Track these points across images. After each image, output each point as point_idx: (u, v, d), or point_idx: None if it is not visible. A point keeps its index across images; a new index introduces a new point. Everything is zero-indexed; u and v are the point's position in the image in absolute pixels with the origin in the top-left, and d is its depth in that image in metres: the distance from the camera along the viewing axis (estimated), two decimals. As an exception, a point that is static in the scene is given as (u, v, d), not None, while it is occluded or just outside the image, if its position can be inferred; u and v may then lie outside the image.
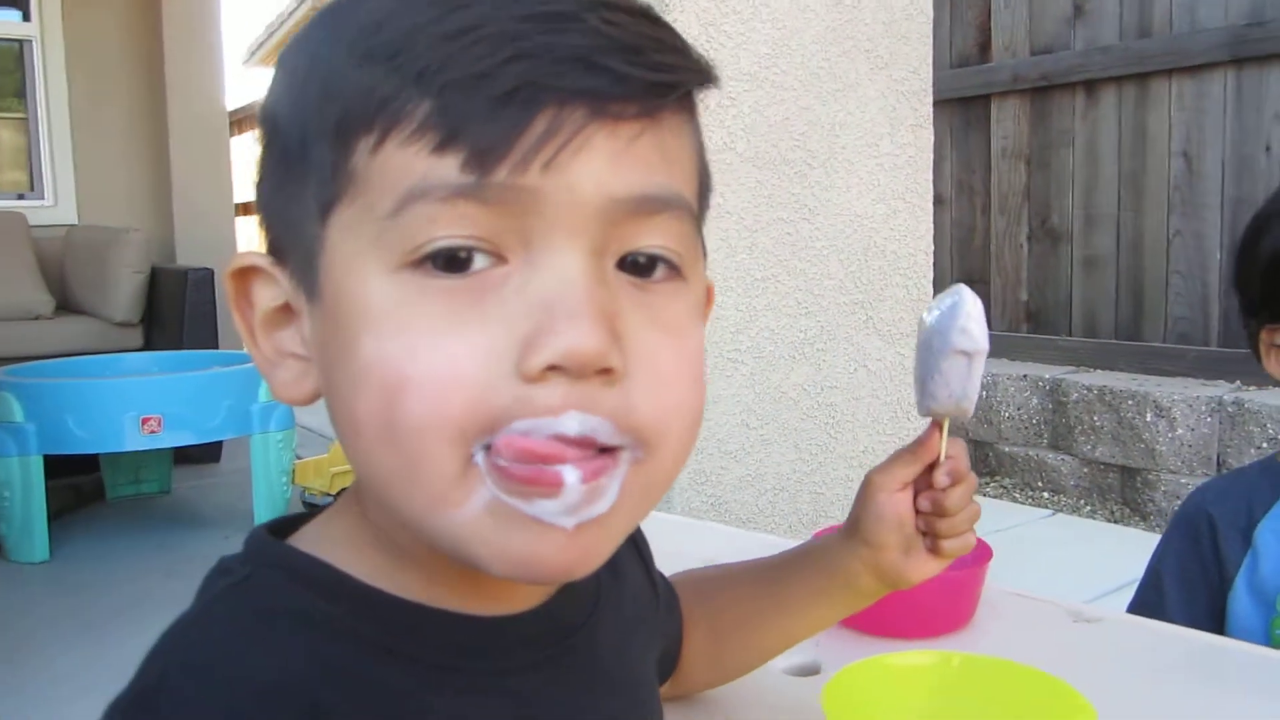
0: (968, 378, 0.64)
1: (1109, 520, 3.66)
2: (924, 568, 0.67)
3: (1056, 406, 3.95)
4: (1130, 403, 3.69)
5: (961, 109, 4.56)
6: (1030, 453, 4.04)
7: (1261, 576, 1.04)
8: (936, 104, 4.57)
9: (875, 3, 1.97)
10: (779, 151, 1.88)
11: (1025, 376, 4.06)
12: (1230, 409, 3.44)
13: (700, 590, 0.72)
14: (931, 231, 2.15)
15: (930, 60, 2.09)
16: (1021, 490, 4.03)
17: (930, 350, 0.65)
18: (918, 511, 0.66)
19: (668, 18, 1.54)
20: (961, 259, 4.65)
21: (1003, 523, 3.61)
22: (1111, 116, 4.06)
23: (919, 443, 0.66)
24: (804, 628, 0.72)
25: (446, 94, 0.40)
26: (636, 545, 0.64)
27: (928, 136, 2.12)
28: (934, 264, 4.66)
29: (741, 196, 1.85)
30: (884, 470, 0.67)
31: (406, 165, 0.41)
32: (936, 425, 0.67)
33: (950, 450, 0.66)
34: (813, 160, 1.93)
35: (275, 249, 0.47)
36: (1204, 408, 3.51)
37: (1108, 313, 4.15)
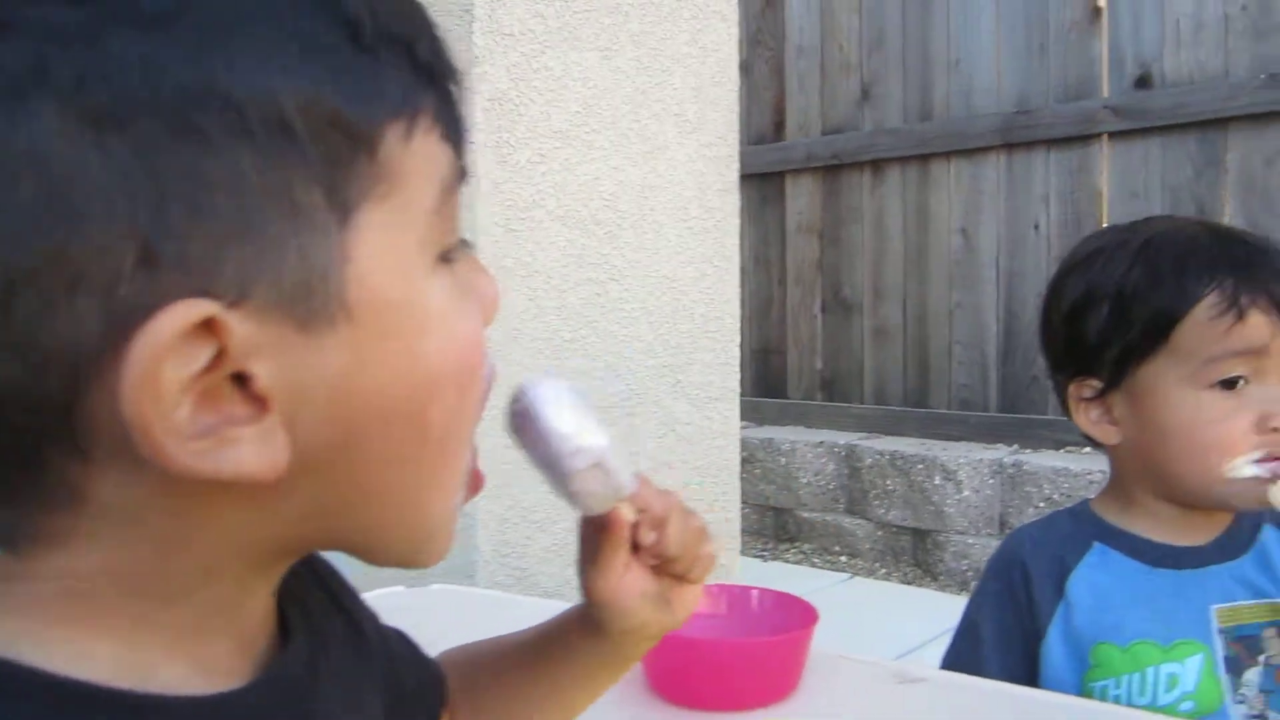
0: (607, 476, 0.57)
1: (902, 582, 3.76)
2: (686, 603, 0.64)
3: (851, 472, 4.06)
4: (920, 467, 3.83)
5: (759, 184, 4.70)
6: (828, 518, 4.12)
7: (1075, 627, 1.04)
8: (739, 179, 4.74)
9: (683, 68, 1.99)
10: (589, 211, 1.85)
11: (821, 443, 4.16)
12: (1010, 470, 3.62)
13: (466, 666, 0.66)
14: (738, 295, 2.16)
15: (736, 127, 2.12)
16: (820, 555, 4.10)
17: (554, 474, 0.56)
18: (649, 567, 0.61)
19: (475, 70, 1.49)
20: (759, 329, 4.76)
21: (803, 588, 3.61)
22: (897, 194, 4.27)
23: (606, 529, 0.60)
24: (580, 699, 0.67)
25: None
26: (330, 592, 0.55)
27: (734, 202, 2.14)
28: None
29: (551, 255, 1.80)
30: (597, 573, 0.61)
31: (437, 154, 0.41)
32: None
33: (638, 502, 0.60)
34: (623, 221, 1.91)
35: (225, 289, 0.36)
36: (986, 470, 3.68)
37: (897, 381, 4.32)
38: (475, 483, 0.49)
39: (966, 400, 4.11)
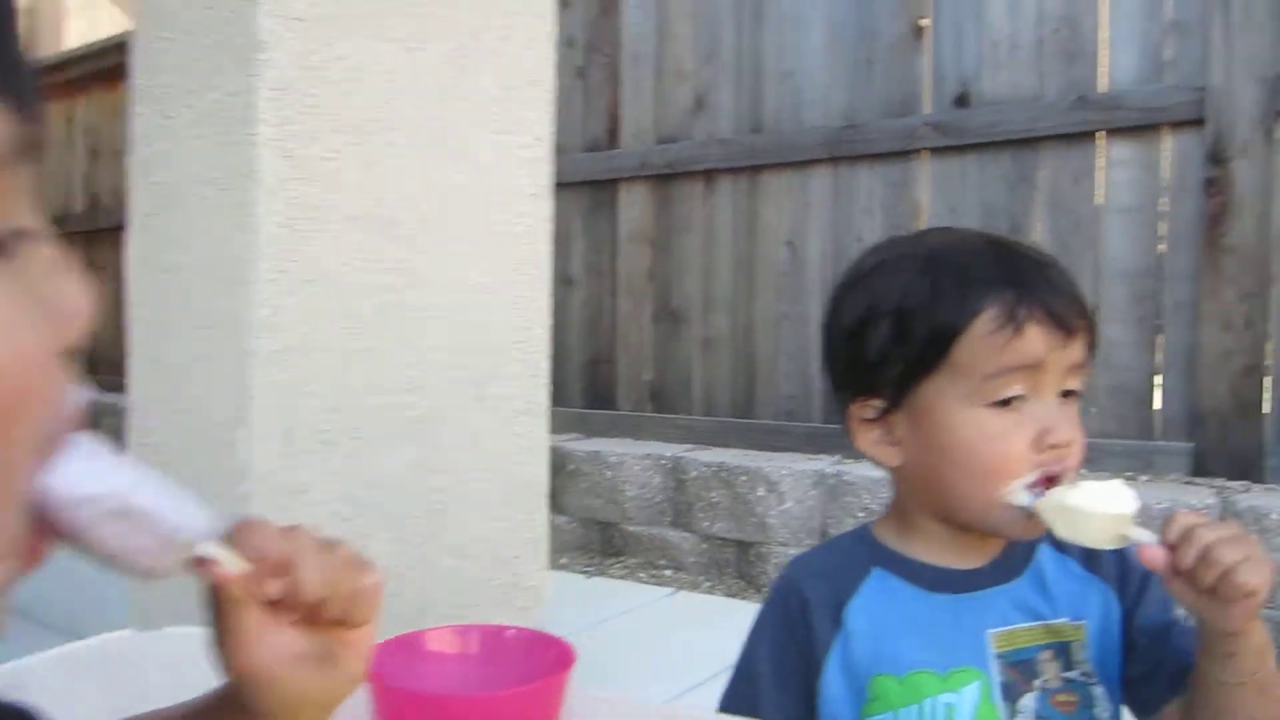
0: (141, 524, 0.47)
1: (727, 595, 3.74)
2: (356, 654, 0.56)
3: (677, 484, 4.02)
4: (744, 478, 3.82)
5: (591, 192, 4.64)
6: (653, 531, 4.08)
7: (853, 659, 1.00)
8: (568, 186, 4.65)
9: (493, 65, 1.88)
10: (387, 212, 1.73)
11: (648, 455, 4.12)
12: (831, 481, 3.65)
13: None
14: (550, 306, 2.07)
15: (551, 130, 2.03)
16: (646, 569, 4.05)
17: (76, 537, 0.46)
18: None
19: (260, 56, 1.35)
20: (590, 339, 4.69)
21: (628, 604, 3.59)
22: (728, 205, 4.27)
23: (217, 588, 0.52)
24: None
25: None
26: None
27: (547, 208, 2.04)
28: (564, 344, 4.70)
29: (341, 259, 1.67)
30: (227, 644, 0.52)
31: None
32: (203, 563, 0.51)
33: (246, 549, 0.51)
34: (425, 224, 1.80)
35: None
36: (808, 481, 3.70)
37: (725, 391, 4.32)
38: (29, 555, 0.37)
39: (792, 411, 4.14)
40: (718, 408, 4.34)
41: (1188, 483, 3.31)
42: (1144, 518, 0.91)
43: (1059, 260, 1.03)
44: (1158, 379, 3.47)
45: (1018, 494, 0.95)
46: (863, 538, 1.09)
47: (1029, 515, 0.96)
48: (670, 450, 4.15)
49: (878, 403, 1.02)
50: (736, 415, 4.29)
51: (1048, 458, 0.95)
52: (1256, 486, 3.20)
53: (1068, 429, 0.96)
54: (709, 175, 4.30)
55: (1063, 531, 0.94)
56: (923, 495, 1.03)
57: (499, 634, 0.93)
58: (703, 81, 4.32)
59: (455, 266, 1.86)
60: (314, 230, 1.63)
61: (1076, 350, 0.97)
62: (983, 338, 0.95)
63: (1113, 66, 3.51)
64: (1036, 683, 0.99)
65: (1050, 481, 0.95)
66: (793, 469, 3.74)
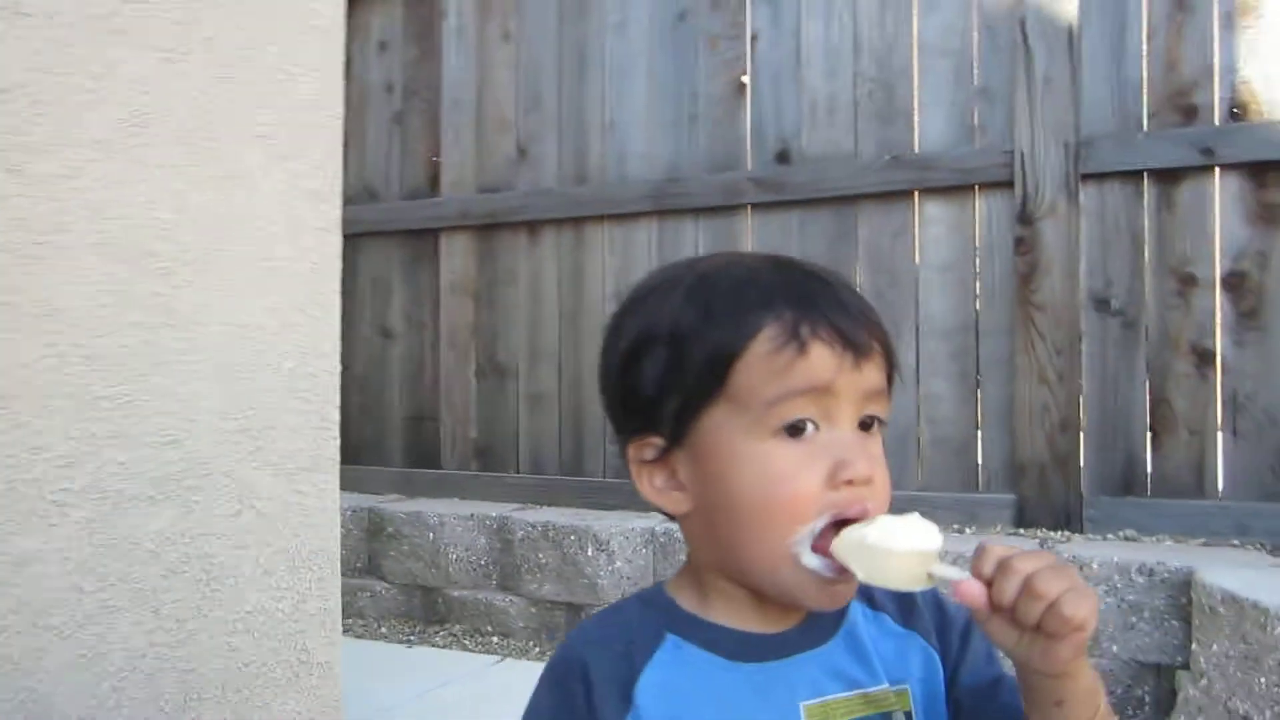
0: None
1: (556, 661, 3.56)
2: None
3: (504, 545, 3.83)
4: (572, 538, 3.67)
5: (411, 242, 4.46)
6: (479, 595, 3.86)
7: None
8: (386, 235, 4.47)
9: (270, 81, 1.71)
10: (138, 241, 1.52)
11: (473, 516, 3.92)
12: (663, 539, 3.53)
13: None
14: (338, 350, 1.89)
15: (340, 159, 1.87)
16: (471, 636, 3.84)
17: None
18: None
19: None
20: (411, 395, 4.48)
21: (450, 674, 3.37)
22: (552, 256, 4.16)
23: None
24: None
25: None
26: None
27: (335, 243, 1.87)
28: (384, 400, 4.47)
29: (82, 292, 1.46)
30: None
31: None
32: None
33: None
34: (185, 256, 1.60)
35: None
36: (639, 539, 3.57)
37: (552, 449, 4.17)
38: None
39: (621, 468, 4.00)
40: (546, 465, 4.19)
41: (1011, 534, 3.33)
42: (953, 558, 0.81)
43: (851, 282, 0.95)
44: (980, 432, 3.50)
45: (804, 548, 0.84)
46: (654, 600, 0.94)
47: (825, 580, 0.85)
48: (496, 510, 3.96)
49: (657, 440, 0.90)
50: (565, 473, 4.14)
51: (844, 498, 0.84)
52: (1077, 536, 3.24)
53: (865, 463, 0.85)
54: (532, 226, 4.19)
55: (862, 574, 0.82)
56: (713, 548, 0.90)
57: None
58: (526, 131, 4.22)
59: (225, 304, 1.66)
60: (47, 258, 1.41)
61: (872, 374, 0.87)
62: (762, 359, 0.84)
63: (926, 128, 3.58)
64: None
65: (844, 525, 0.84)
66: (623, 527, 3.60)
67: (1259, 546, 3.04)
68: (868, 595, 0.94)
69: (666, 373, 0.87)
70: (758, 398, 0.84)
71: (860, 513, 0.84)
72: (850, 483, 0.84)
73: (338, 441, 1.91)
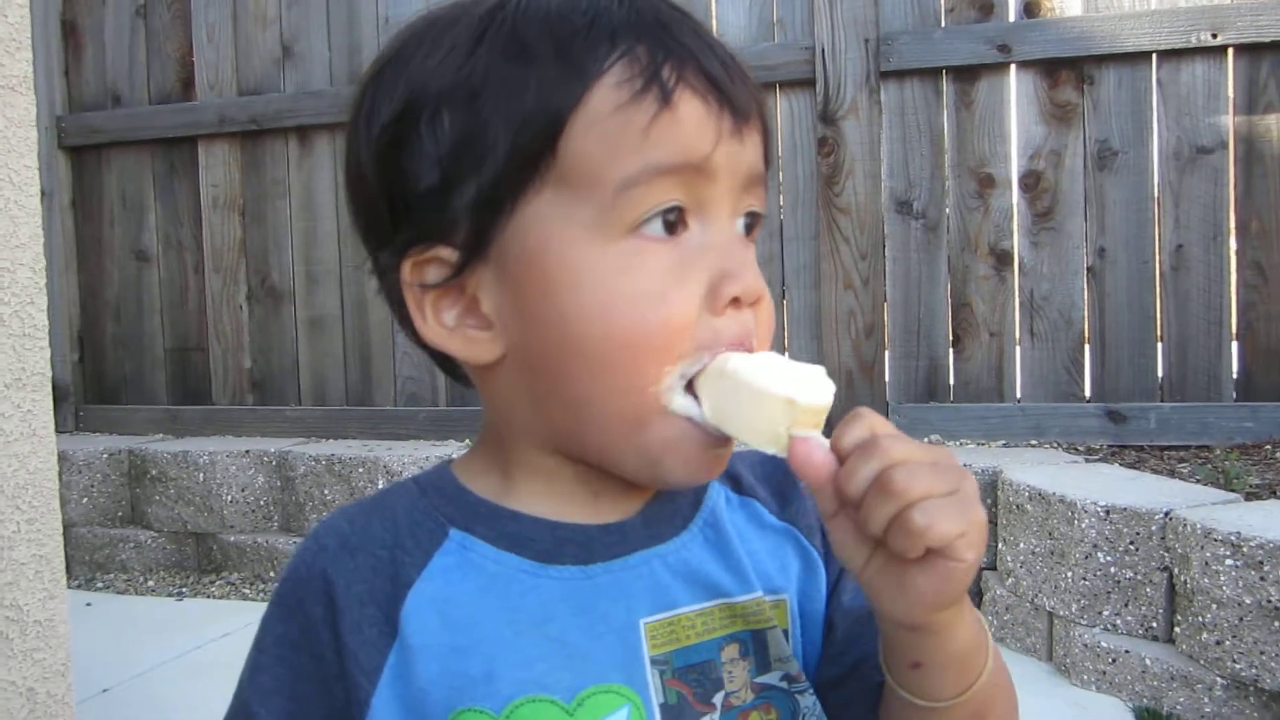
0: None
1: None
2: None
3: (285, 483, 3.49)
4: (361, 471, 3.37)
5: (165, 152, 3.98)
6: (259, 539, 3.52)
7: (418, 687, 0.60)
8: (135, 145, 3.96)
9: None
10: None
11: (248, 453, 3.55)
12: (459, 469, 3.29)
13: None
14: (41, 239, 1.54)
15: (27, 38, 1.51)
16: (252, 584, 3.49)
17: None
18: None
19: None
20: (175, 325, 4.03)
21: (228, 626, 3.03)
22: (328, 165, 3.78)
23: None
24: None
25: None
26: None
27: (27, 106, 1.51)
28: (142, 331, 4.00)
29: None
30: None
31: None
32: None
33: None
34: None
35: None
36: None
37: (337, 377, 3.84)
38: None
39: (415, 394, 3.74)
40: (330, 395, 3.85)
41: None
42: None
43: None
44: (786, 342, 3.41)
45: (677, 392, 0.59)
46: (435, 484, 0.68)
47: (704, 435, 0.60)
48: (275, 445, 3.60)
49: (445, 252, 0.62)
50: (352, 402, 3.82)
51: (728, 326, 0.60)
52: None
53: (753, 275, 0.62)
54: (303, 132, 3.79)
55: (709, 410, 0.59)
56: (533, 407, 0.64)
57: None
58: (290, 26, 3.80)
59: None
60: None
61: (753, 149, 0.62)
62: (608, 118, 0.58)
63: (724, 23, 3.41)
64: (717, 697, 0.63)
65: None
66: (416, 457, 3.33)
67: (1055, 445, 3.07)
68: (734, 477, 0.71)
69: (457, 149, 0.60)
70: (602, 178, 0.58)
71: (745, 348, 0.61)
72: (736, 303, 0.60)
73: (47, 353, 1.56)
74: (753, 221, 0.65)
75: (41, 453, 1.56)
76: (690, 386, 0.60)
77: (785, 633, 0.68)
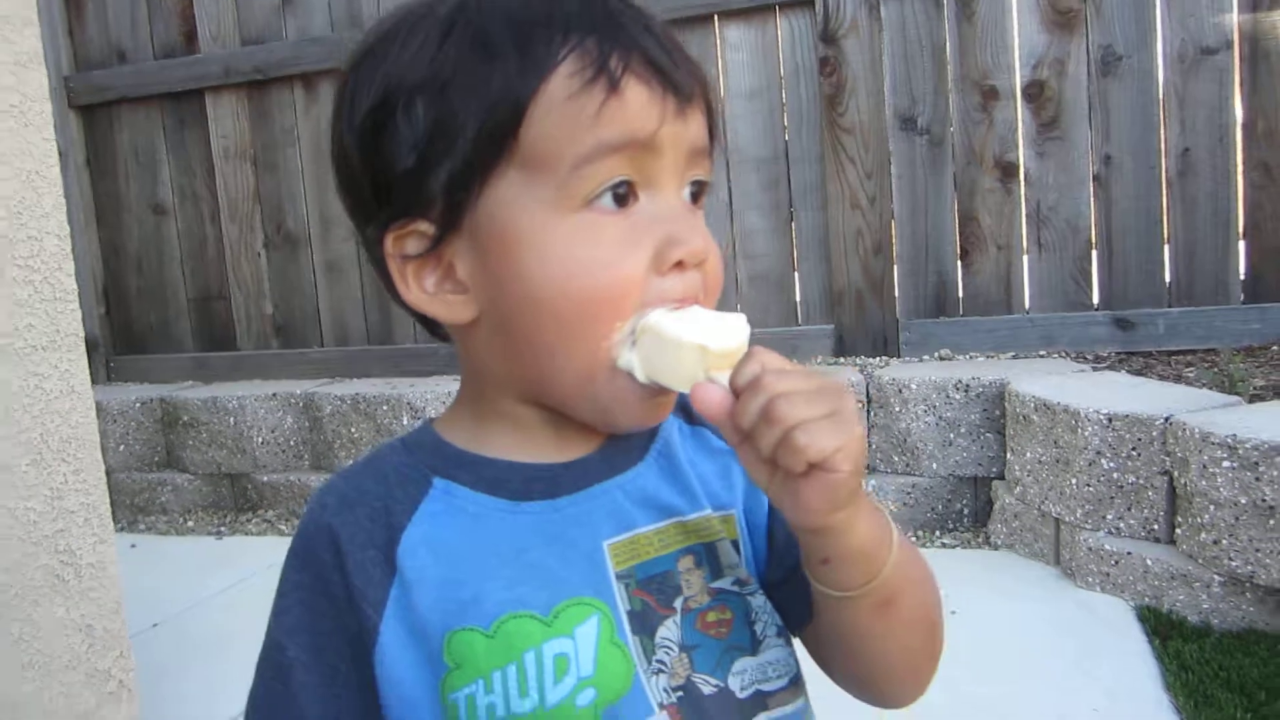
0: None
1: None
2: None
3: (313, 423, 3.60)
4: (385, 408, 3.47)
5: (173, 106, 4.02)
6: (291, 477, 3.64)
7: (418, 613, 0.68)
8: (144, 100, 4.00)
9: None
10: None
11: (275, 395, 3.65)
12: (481, 403, 3.38)
13: None
14: (63, 208, 1.61)
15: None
16: (287, 520, 3.62)
17: None
18: None
19: None
20: (195, 274, 4.11)
21: (267, 559, 3.17)
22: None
23: None
24: None
25: None
26: None
27: (40, 81, 1.57)
28: (165, 281, 4.08)
29: None
30: None
31: None
32: None
33: None
34: None
35: None
36: (450, 403, 3.40)
37: (357, 319, 3.92)
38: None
39: (434, 332, 3.81)
40: (351, 337, 3.93)
41: (832, 363, 3.32)
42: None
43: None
44: (796, 264, 3.45)
45: (625, 348, 0.67)
46: (418, 441, 0.76)
47: (647, 390, 0.68)
48: (300, 387, 3.70)
49: (424, 227, 0.69)
50: (373, 342, 3.90)
51: (674, 286, 0.67)
52: (895, 360, 3.26)
53: (700, 238, 0.68)
54: (307, 79, 3.82)
55: (642, 365, 0.67)
56: (503, 362, 0.72)
57: None
58: (289, -30, 3.81)
59: (-105, 154, 1.36)
60: None
61: (695, 126, 0.69)
62: (562, 105, 0.65)
63: (721, -54, 3.38)
64: (677, 602, 0.72)
65: None
66: (438, 392, 3.42)
67: (1064, 355, 3.12)
68: (685, 409, 0.79)
69: (430, 135, 0.67)
70: (559, 158, 0.65)
71: (693, 302, 0.68)
72: (681, 265, 0.67)
73: (79, 314, 1.64)
74: (699, 190, 0.71)
75: (81, 408, 1.64)
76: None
77: (734, 543, 0.76)
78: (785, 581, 0.77)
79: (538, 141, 0.65)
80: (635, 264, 0.66)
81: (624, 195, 0.67)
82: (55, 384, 1.60)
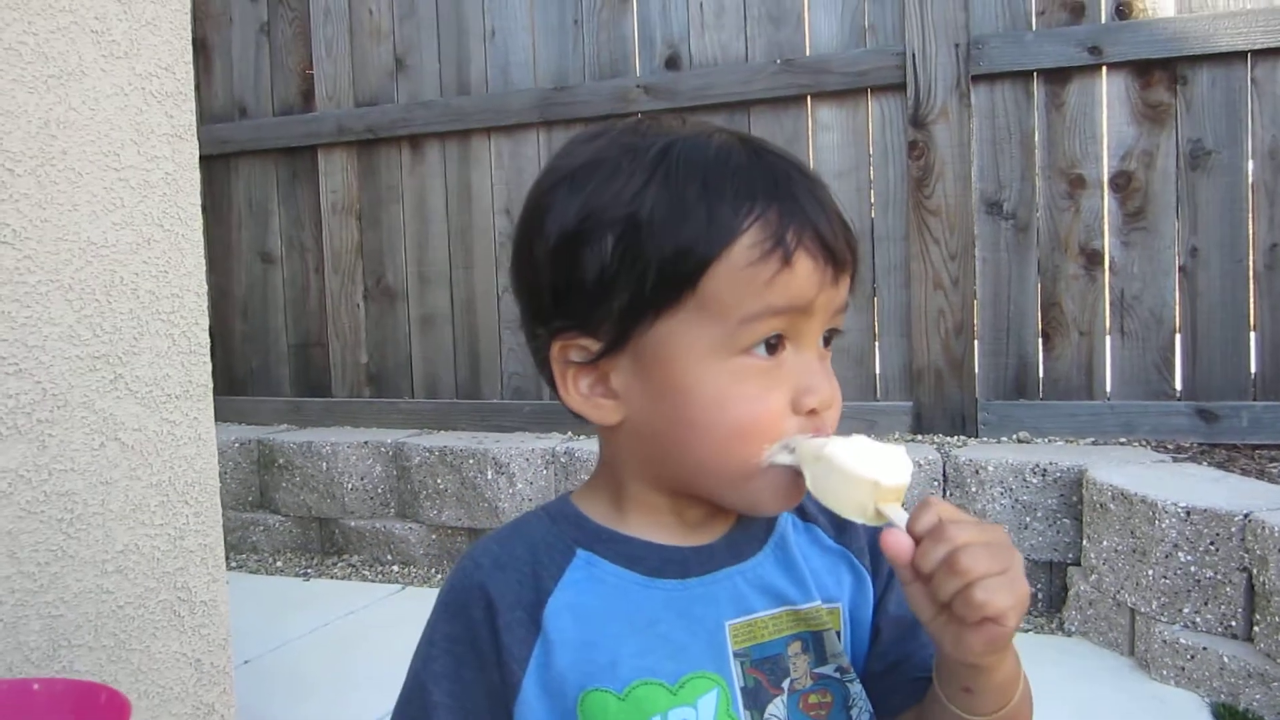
0: None
1: (452, 589, 3.50)
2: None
3: (400, 472, 3.73)
4: (471, 461, 3.58)
5: (288, 160, 4.24)
6: (377, 524, 3.77)
7: (557, 673, 0.77)
8: (261, 154, 4.23)
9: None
10: (-44, 148, 1.36)
11: (366, 443, 3.80)
12: (563, 459, 3.47)
13: None
14: (204, 268, 1.75)
15: (190, 59, 1.71)
16: (371, 566, 3.74)
17: None
18: None
19: None
20: (298, 322, 4.30)
21: (351, 605, 3.29)
22: (438, 172, 3.99)
23: None
24: None
25: None
26: None
27: (191, 152, 1.72)
28: (268, 327, 4.28)
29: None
30: None
31: None
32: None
33: None
34: (17, 166, 1.44)
35: None
36: (539, 460, 3.51)
37: (447, 372, 4.06)
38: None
39: (519, 388, 3.93)
40: (441, 389, 4.07)
41: (910, 440, 3.35)
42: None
43: (815, 171, 0.82)
44: (877, 340, 3.50)
45: (775, 454, 0.76)
46: (561, 514, 0.85)
47: (787, 477, 0.77)
48: (391, 436, 3.85)
49: (591, 343, 0.78)
50: (461, 396, 4.04)
51: (807, 425, 0.77)
52: (972, 440, 3.28)
53: (828, 385, 0.78)
54: (415, 140, 4.01)
55: (810, 484, 0.75)
56: (648, 461, 0.80)
57: (23, 691, 0.65)
58: (402, 40, 4.02)
59: (68, 219, 1.51)
60: None
61: (844, 288, 0.78)
62: (742, 269, 0.73)
63: (816, 30, 3.50)
64: (785, 683, 0.80)
65: None
66: (522, 449, 3.53)
67: (1145, 443, 3.12)
68: (799, 506, 0.85)
69: (617, 266, 0.75)
70: (732, 312, 0.74)
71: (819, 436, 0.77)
72: (813, 413, 0.77)
73: (209, 366, 1.78)
74: (831, 336, 0.81)
75: (205, 454, 1.78)
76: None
77: (838, 634, 0.85)
78: (884, 675, 0.85)
79: (713, 294, 0.74)
80: (778, 404, 0.76)
81: (775, 345, 0.76)
82: (185, 430, 1.73)
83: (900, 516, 0.71)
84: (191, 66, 1.70)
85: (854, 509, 0.72)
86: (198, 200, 1.74)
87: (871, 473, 0.71)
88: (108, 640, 1.62)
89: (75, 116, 1.52)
